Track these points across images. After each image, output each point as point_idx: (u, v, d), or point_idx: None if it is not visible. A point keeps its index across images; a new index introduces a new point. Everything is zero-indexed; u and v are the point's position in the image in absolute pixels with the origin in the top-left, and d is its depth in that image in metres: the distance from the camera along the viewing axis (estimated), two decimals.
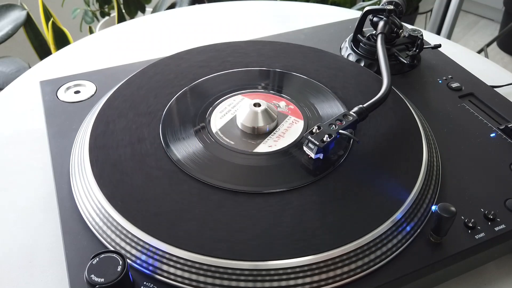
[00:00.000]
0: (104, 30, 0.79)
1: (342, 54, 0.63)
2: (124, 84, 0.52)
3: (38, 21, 1.10)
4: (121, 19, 1.30)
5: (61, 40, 1.07)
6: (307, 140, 0.42)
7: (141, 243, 0.36)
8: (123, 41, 0.75)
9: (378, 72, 0.55)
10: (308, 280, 0.35)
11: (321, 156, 0.43)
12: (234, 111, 0.49)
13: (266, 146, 0.45)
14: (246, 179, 0.42)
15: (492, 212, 0.41)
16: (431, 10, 1.52)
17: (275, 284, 0.35)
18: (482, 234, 0.40)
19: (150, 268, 0.36)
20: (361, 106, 0.45)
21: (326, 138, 0.42)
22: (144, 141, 0.45)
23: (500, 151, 0.48)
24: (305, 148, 0.43)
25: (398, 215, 0.39)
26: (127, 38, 0.76)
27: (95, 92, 0.54)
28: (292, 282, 0.35)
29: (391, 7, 0.59)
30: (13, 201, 0.47)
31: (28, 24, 1.05)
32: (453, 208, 0.37)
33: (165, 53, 0.59)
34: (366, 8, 0.61)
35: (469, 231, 0.40)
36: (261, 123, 0.46)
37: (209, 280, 0.35)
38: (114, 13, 1.39)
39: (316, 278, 0.35)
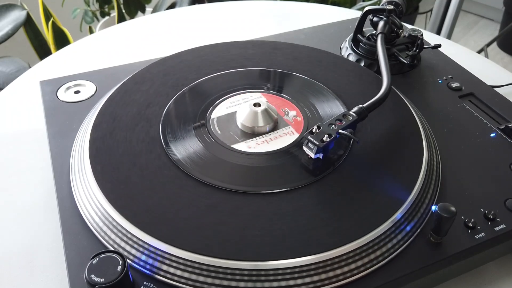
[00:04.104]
0: (104, 30, 0.79)
1: (342, 54, 0.63)
2: (124, 84, 0.52)
3: (38, 21, 1.10)
4: (121, 19, 1.30)
5: (61, 40, 1.07)
6: (307, 140, 0.42)
7: (141, 243, 0.36)
8: (123, 41, 0.75)
9: (378, 72, 0.55)
10: (308, 280, 0.35)
11: (320, 156, 0.43)
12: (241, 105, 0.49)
13: (245, 146, 0.45)
14: (247, 179, 0.42)
15: (492, 212, 0.41)
16: (431, 10, 1.52)
17: (275, 284, 0.35)
18: (482, 234, 0.40)
19: (150, 268, 0.36)
20: (361, 106, 0.45)
21: (325, 138, 0.42)
22: (144, 141, 0.45)
23: (500, 151, 0.48)
24: (304, 148, 0.43)
25: (398, 215, 0.39)
26: (127, 38, 0.76)
27: (95, 92, 0.54)
28: (292, 282, 0.35)
29: (391, 7, 0.59)
30: (13, 201, 0.47)
31: (28, 24, 1.05)
32: (453, 208, 0.37)
33: (165, 53, 0.59)
34: (366, 8, 0.61)
35: (469, 231, 0.40)
36: (260, 123, 0.46)
37: (209, 280, 0.35)
38: (114, 13, 1.39)
39: (316, 278, 0.35)
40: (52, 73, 0.62)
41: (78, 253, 0.37)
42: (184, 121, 0.48)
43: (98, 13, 1.47)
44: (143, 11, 1.40)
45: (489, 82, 0.59)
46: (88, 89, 0.55)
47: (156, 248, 0.36)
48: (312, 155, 0.42)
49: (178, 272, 0.35)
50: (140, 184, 0.41)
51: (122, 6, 1.33)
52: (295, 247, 0.36)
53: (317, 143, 0.42)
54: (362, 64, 0.60)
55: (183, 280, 0.35)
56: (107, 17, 1.48)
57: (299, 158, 0.44)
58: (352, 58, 0.61)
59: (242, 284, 0.35)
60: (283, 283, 0.35)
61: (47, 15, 1.11)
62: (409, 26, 0.67)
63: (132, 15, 1.37)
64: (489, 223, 0.41)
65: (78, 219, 0.40)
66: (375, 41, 0.58)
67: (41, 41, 1.10)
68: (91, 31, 1.38)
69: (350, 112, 0.45)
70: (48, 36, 1.08)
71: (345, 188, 0.41)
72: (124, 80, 0.52)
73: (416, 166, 0.43)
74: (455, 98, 0.55)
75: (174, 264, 0.35)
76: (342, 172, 0.42)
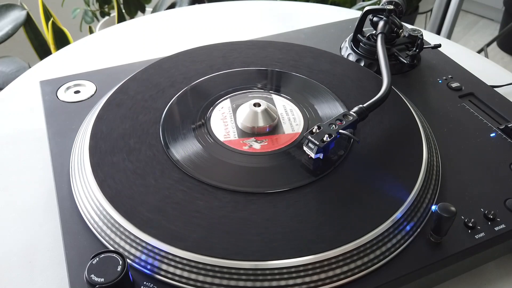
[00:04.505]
0: (104, 30, 0.79)
1: (342, 54, 0.63)
2: (124, 84, 0.52)
3: (38, 21, 1.09)
4: (121, 19, 1.30)
5: (61, 40, 1.07)
6: (307, 140, 0.42)
7: (141, 242, 0.36)
8: (123, 41, 0.75)
9: (378, 72, 0.55)
10: (308, 279, 0.35)
11: (321, 156, 0.43)
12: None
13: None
14: (247, 179, 0.42)
15: (492, 212, 0.41)
16: (431, 10, 1.52)
17: (275, 284, 0.35)
18: (482, 234, 0.40)
19: (150, 268, 0.36)
20: (361, 106, 0.45)
21: (326, 138, 0.42)
22: (144, 141, 0.45)
23: (500, 151, 0.48)
24: (305, 148, 0.43)
25: (398, 214, 0.39)
26: (127, 38, 0.76)
27: (95, 92, 0.54)
28: (292, 282, 0.35)
29: (391, 7, 0.59)
30: (13, 201, 0.47)
31: (28, 24, 1.05)
32: (453, 208, 0.37)
33: (165, 53, 0.59)
34: (366, 8, 0.61)
35: (469, 231, 0.40)
36: (261, 123, 0.46)
37: (209, 280, 0.35)
38: (114, 13, 1.39)
39: (316, 277, 0.35)
40: (52, 73, 0.62)
41: (78, 253, 0.37)
42: (185, 121, 0.47)
43: (98, 13, 1.47)
44: (143, 11, 1.40)
45: (489, 82, 0.59)
46: (88, 89, 0.55)
47: (156, 247, 0.36)
48: (313, 155, 0.42)
49: (178, 272, 0.35)
50: (140, 183, 0.41)
51: (122, 6, 1.33)
52: (295, 247, 0.36)
53: (318, 143, 0.42)
54: (362, 64, 0.60)
55: (183, 280, 0.35)
56: (107, 17, 1.48)
57: (299, 158, 0.44)
58: (352, 58, 0.61)
59: (242, 283, 0.35)
60: (283, 283, 0.35)
61: (47, 15, 1.11)
62: (409, 26, 0.67)
63: (132, 15, 1.37)
64: (489, 223, 0.41)
65: (78, 219, 0.40)
66: (375, 41, 0.58)
67: (41, 41, 1.10)
68: (91, 31, 1.38)
69: (351, 112, 0.45)
70: (48, 36, 1.08)
71: (345, 188, 0.41)
72: (124, 80, 0.52)
73: (416, 166, 0.43)
74: (455, 98, 0.55)
75: (174, 264, 0.35)
76: (342, 172, 0.42)
